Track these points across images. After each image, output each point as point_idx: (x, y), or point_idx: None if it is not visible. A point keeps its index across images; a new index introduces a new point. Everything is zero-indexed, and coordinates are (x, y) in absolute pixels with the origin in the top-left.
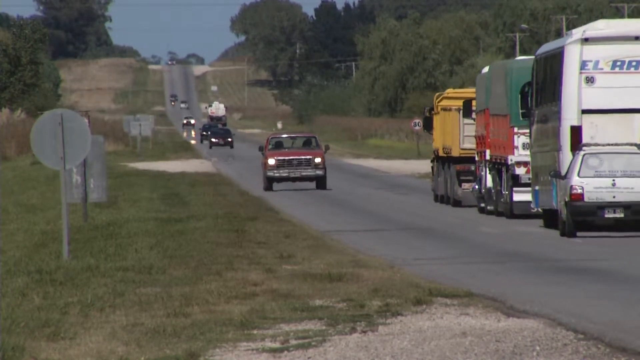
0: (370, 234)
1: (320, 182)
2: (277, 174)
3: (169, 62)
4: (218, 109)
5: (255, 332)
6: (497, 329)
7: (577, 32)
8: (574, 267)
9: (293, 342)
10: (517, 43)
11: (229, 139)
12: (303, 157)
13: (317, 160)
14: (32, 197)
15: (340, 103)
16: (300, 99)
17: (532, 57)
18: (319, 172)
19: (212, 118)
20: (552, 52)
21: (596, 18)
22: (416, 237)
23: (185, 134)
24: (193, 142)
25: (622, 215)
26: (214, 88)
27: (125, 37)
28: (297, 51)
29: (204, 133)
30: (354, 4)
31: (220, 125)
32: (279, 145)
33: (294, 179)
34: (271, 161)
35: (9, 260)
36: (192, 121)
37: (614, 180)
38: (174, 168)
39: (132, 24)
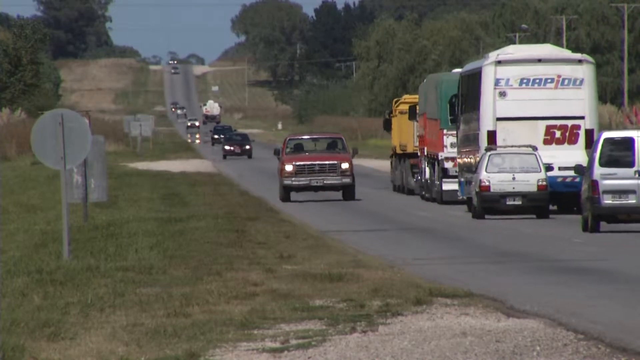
0: (370, 234)
1: (348, 192)
2: (296, 182)
3: (172, 67)
4: (213, 107)
5: (255, 332)
6: (497, 329)
7: (492, 56)
8: (574, 267)
9: (293, 342)
10: (517, 43)
11: (247, 147)
12: (327, 162)
13: (344, 165)
14: (33, 197)
15: (341, 103)
16: (300, 99)
17: (460, 69)
18: (346, 180)
19: (206, 117)
20: (473, 71)
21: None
22: (416, 237)
23: (189, 137)
24: (198, 142)
25: (520, 202)
26: (215, 88)
27: (126, 37)
28: (298, 51)
29: (215, 136)
30: (354, 4)
31: (237, 131)
32: (298, 148)
33: (316, 189)
34: (288, 167)
35: (9, 260)
36: (197, 123)
37: (513, 175)
38: (174, 168)
39: (133, 24)
